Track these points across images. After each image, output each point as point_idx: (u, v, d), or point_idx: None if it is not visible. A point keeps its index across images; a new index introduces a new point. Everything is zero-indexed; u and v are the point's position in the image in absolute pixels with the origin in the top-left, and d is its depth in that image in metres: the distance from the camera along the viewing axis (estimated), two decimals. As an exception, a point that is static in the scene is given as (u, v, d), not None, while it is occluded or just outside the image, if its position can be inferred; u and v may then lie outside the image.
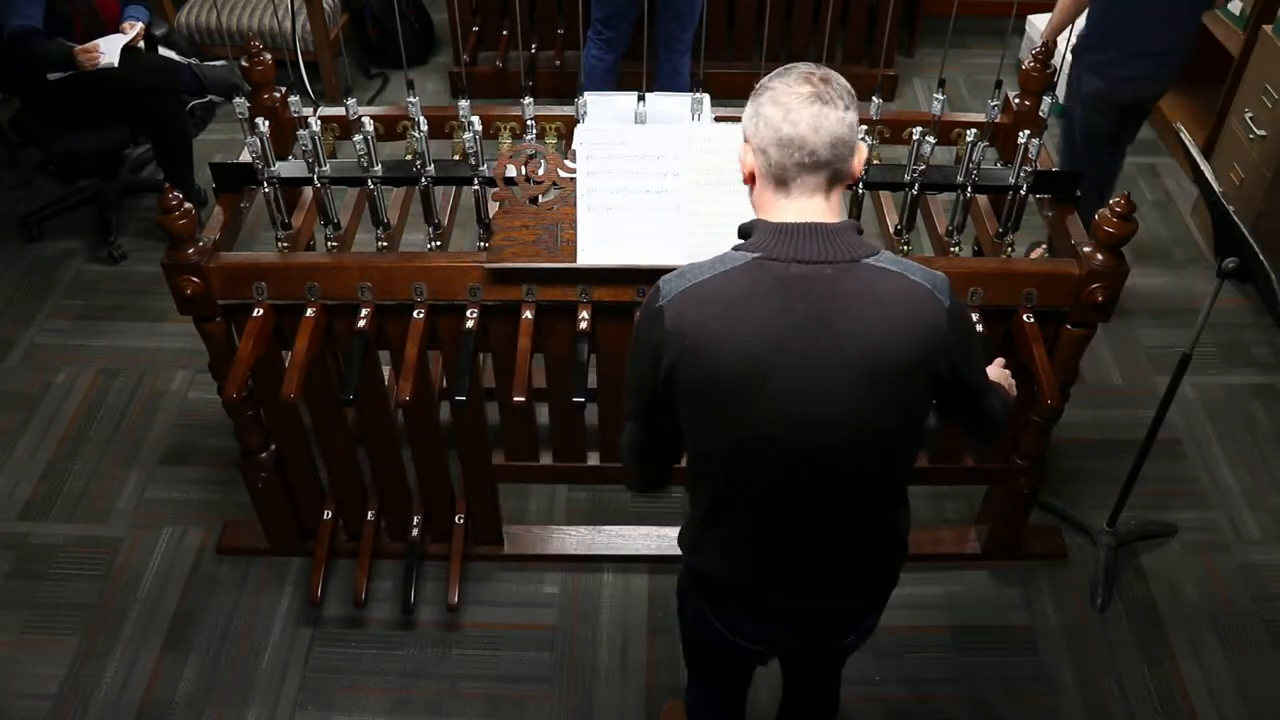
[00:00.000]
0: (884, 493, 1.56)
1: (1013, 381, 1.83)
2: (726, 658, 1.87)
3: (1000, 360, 1.84)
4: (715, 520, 1.58)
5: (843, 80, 1.40)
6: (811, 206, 1.40)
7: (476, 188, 2.17)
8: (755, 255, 1.39)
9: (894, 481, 1.58)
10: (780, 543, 1.55)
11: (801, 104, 1.36)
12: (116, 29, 3.41)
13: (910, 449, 1.55)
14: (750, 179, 1.45)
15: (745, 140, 1.43)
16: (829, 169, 1.39)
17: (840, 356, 1.37)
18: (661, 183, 2.01)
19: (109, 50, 3.27)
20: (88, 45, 3.24)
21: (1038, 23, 4.40)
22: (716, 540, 1.60)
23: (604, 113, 2.27)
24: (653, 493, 1.63)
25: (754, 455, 1.45)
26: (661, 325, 1.40)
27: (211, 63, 3.81)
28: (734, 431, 1.43)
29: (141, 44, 3.52)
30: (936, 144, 2.16)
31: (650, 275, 2.07)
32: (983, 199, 2.42)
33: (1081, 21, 3.01)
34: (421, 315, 2.13)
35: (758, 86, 1.43)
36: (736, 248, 1.43)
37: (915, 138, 2.14)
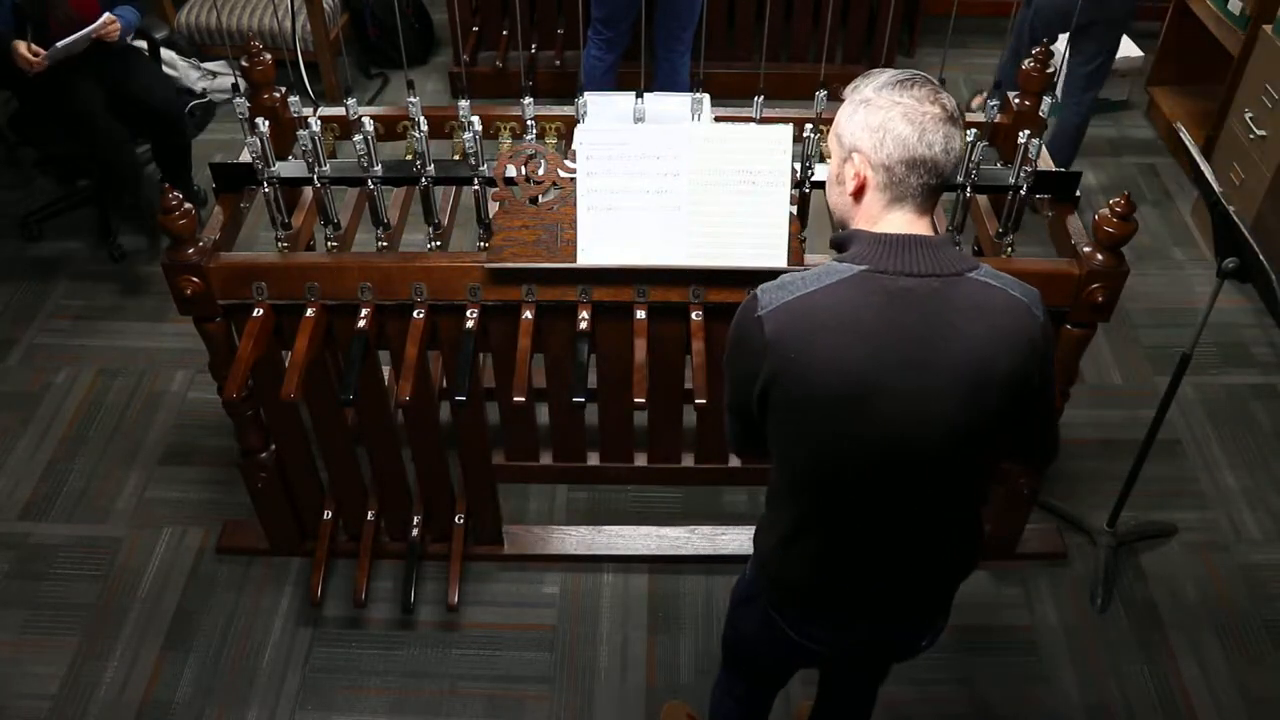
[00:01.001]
0: (972, 500, 1.57)
1: None
2: (785, 663, 1.87)
3: None
4: (804, 530, 1.55)
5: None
6: (921, 221, 1.41)
7: (476, 188, 2.16)
8: (863, 268, 1.37)
9: (981, 489, 1.59)
10: (871, 553, 1.54)
11: (936, 125, 1.35)
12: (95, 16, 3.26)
13: (998, 458, 1.57)
14: (860, 191, 1.42)
15: (857, 151, 1.40)
16: (940, 187, 1.40)
17: (948, 369, 1.36)
18: (661, 183, 2.01)
19: (65, 47, 3.08)
20: (34, 49, 3.06)
21: (1038, 23, 4.39)
22: (804, 550, 1.57)
23: (604, 113, 2.27)
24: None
25: (853, 469, 1.43)
26: (762, 335, 1.38)
27: (211, 65, 3.79)
28: (834, 445, 1.41)
29: (145, 46, 3.51)
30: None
31: (650, 275, 2.07)
32: (983, 199, 2.42)
33: None
34: (421, 315, 2.13)
35: (867, 95, 1.39)
36: (839, 259, 1.41)
37: (915, 138, 2.14)
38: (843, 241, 1.43)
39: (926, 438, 1.39)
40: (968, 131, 2.18)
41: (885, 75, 1.39)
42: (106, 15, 3.20)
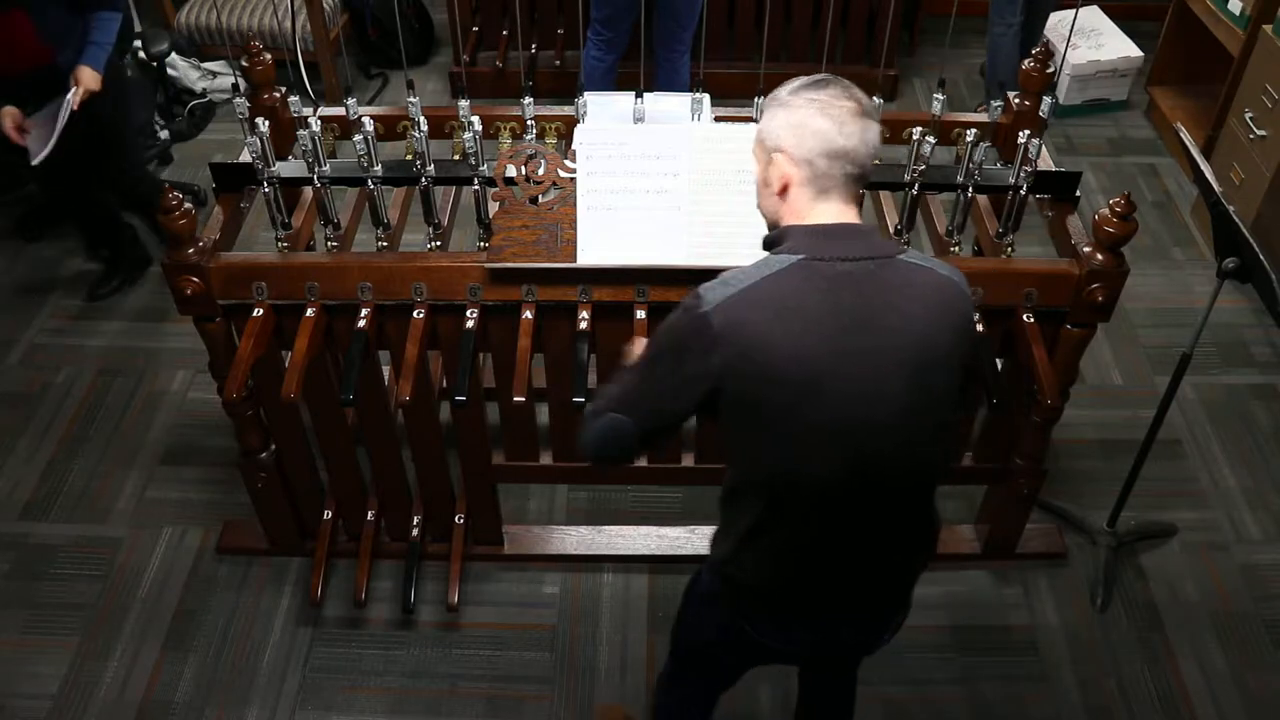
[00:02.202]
0: (927, 489, 1.59)
1: None
2: (742, 662, 1.87)
3: None
4: (763, 529, 1.56)
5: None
6: (848, 211, 1.46)
7: (476, 188, 2.17)
8: (800, 257, 1.42)
9: (936, 477, 1.61)
10: (831, 548, 1.55)
11: (850, 118, 1.42)
12: (53, 76, 2.79)
13: (953, 442, 1.58)
14: (785, 188, 1.47)
15: (779, 151, 1.45)
16: (863, 180, 1.47)
17: (891, 350, 1.41)
18: (661, 183, 2.01)
19: (38, 140, 2.70)
20: (12, 111, 2.71)
21: (1038, 23, 4.40)
22: (763, 550, 1.58)
23: (604, 113, 2.27)
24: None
25: (810, 456, 1.45)
26: (710, 333, 1.40)
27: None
28: (790, 433, 1.44)
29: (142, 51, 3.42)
30: (936, 144, 2.16)
31: (650, 275, 2.07)
32: (983, 199, 2.42)
33: None
34: (421, 315, 2.13)
35: (783, 99, 1.46)
36: (775, 252, 1.45)
37: (915, 138, 2.14)
38: (774, 239, 1.48)
39: (879, 419, 1.43)
40: (968, 131, 2.19)
41: (798, 80, 1.47)
42: (81, 72, 2.76)
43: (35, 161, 2.65)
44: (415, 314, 2.13)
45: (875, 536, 1.56)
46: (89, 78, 2.75)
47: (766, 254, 1.47)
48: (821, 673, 2.00)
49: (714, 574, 1.69)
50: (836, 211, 1.45)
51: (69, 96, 2.73)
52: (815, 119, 1.42)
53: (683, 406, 1.49)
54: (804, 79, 1.46)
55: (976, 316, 1.50)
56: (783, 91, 1.47)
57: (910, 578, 1.68)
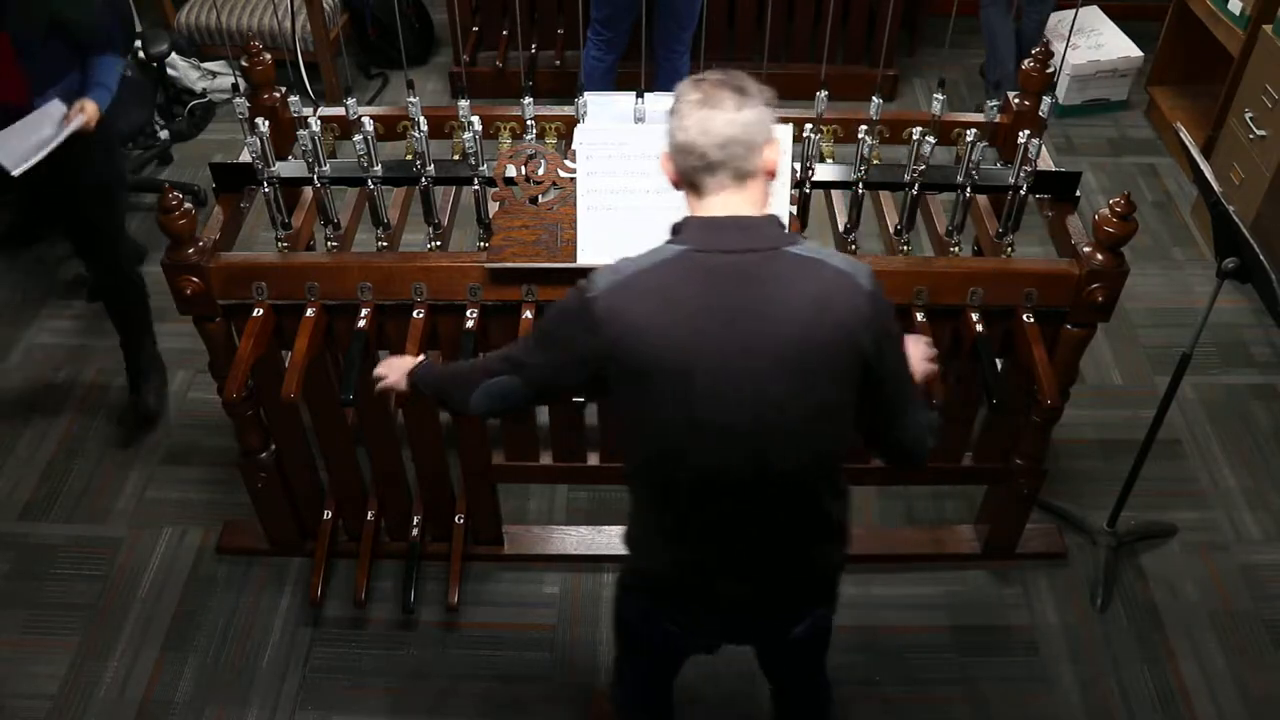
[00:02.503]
0: (818, 482, 1.57)
1: (934, 369, 1.86)
2: (664, 649, 1.88)
3: (926, 352, 1.85)
4: (653, 513, 1.61)
5: (742, 80, 1.45)
6: (729, 202, 1.46)
7: (476, 188, 2.17)
8: (684, 247, 1.44)
9: (827, 470, 1.58)
10: (716, 534, 1.57)
11: (690, 110, 1.42)
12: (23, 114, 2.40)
13: (842, 437, 1.56)
14: (675, 184, 1.51)
15: (664, 150, 1.49)
16: (726, 168, 1.44)
17: (767, 341, 1.41)
18: (661, 183, 2.00)
19: (15, 151, 2.36)
20: None
21: (1038, 23, 4.40)
22: (655, 533, 1.62)
23: (604, 113, 2.27)
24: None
25: (688, 443, 1.47)
26: (593, 317, 1.44)
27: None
28: (668, 420, 1.46)
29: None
30: (936, 144, 2.16)
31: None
32: (983, 199, 2.42)
33: None
34: (421, 315, 2.13)
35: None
36: (667, 241, 1.48)
37: (915, 138, 2.14)
38: (676, 228, 1.50)
39: (754, 409, 1.43)
40: (968, 131, 2.19)
41: (693, 77, 1.48)
42: (86, 103, 2.43)
43: (16, 173, 2.34)
44: (415, 314, 2.13)
45: (761, 527, 1.56)
46: (93, 110, 2.42)
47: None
48: (769, 668, 2.00)
49: (626, 557, 1.73)
50: (722, 203, 1.45)
51: (70, 113, 2.40)
52: (670, 117, 1.45)
53: (573, 382, 1.55)
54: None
55: (878, 309, 1.45)
56: None
57: (816, 570, 1.67)
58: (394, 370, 1.89)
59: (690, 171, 1.46)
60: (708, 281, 1.42)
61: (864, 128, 2.16)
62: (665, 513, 1.59)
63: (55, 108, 2.40)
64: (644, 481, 1.60)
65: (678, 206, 2.00)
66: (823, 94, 2.20)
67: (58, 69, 2.43)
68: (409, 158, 2.23)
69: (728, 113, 1.41)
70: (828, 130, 2.37)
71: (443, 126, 2.38)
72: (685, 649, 1.89)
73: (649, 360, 1.42)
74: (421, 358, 1.90)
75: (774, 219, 1.47)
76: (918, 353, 1.79)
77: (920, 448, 1.63)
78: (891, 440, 1.61)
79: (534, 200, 2.05)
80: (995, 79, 3.96)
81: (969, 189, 2.18)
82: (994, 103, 2.26)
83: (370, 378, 1.96)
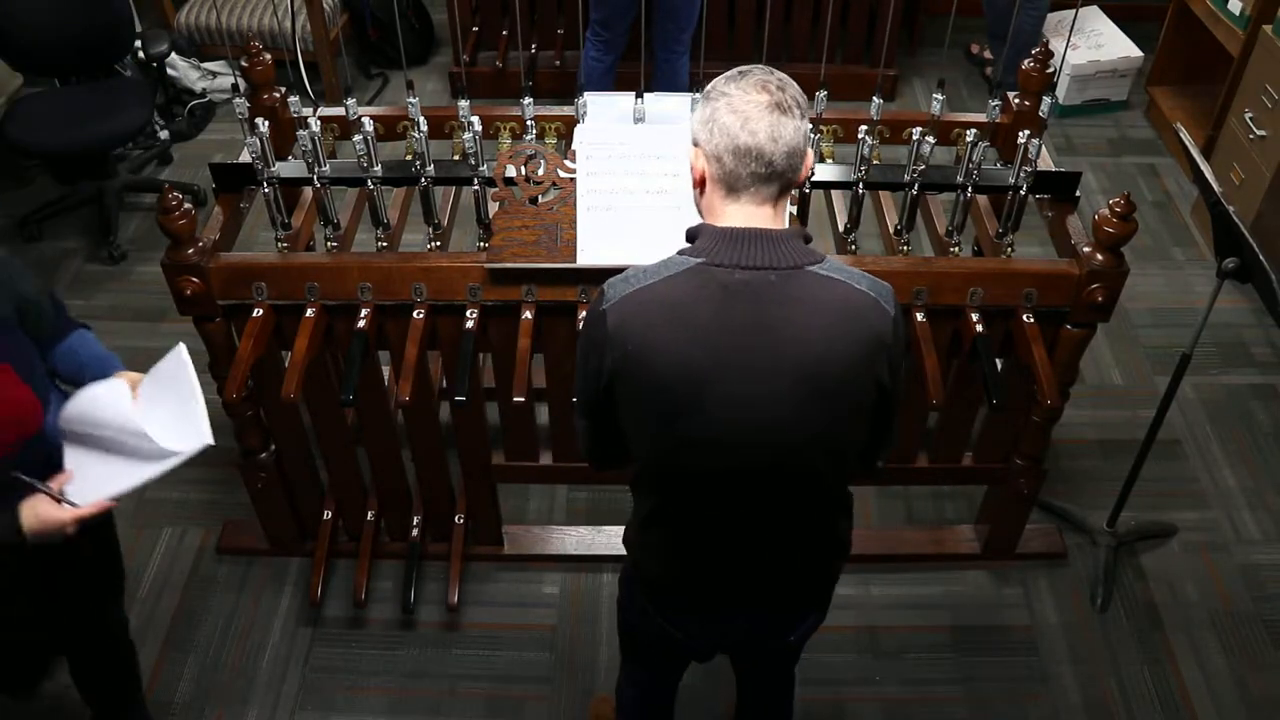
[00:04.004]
0: (825, 499, 1.56)
1: None
2: (666, 653, 1.88)
3: None
4: (657, 522, 1.59)
5: (797, 87, 1.40)
6: (760, 214, 1.40)
7: (476, 188, 2.16)
8: (700, 260, 1.38)
9: (835, 488, 1.57)
10: (720, 547, 1.56)
11: (760, 113, 1.35)
12: (41, 451, 1.68)
13: (852, 457, 1.54)
14: (700, 183, 1.44)
15: (696, 145, 1.42)
16: (782, 179, 1.39)
17: (781, 363, 1.36)
18: (661, 183, 2.01)
19: (99, 480, 1.65)
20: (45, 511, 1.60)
21: (1038, 23, 4.40)
22: (658, 541, 1.61)
23: (604, 113, 2.27)
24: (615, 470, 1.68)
25: (695, 461, 1.45)
26: (604, 329, 1.40)
27: None
28: (675, 437, 1.43)
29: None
30: (936, 144, 2.16)
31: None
32: (983, 199, 2.42)
33: None
34: (421, 315, 2.13)
35: (710, 89, 1.41)
36: (682, 252, 1.42)
37: (915, 138, 2.14)
38: (690, 235, 1.44)
39: (764, 431, 1.40)
40: (968, 131, 2.19)
41: (732, 71, 1.41)
42: (124, 374, 1.79)
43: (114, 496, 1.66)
44: (415, 314, 2.13)
45: (765, 540, 1.55)
46: (133, 375, 1.80)
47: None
48: (746, 669, 2.00)
49: (627, 557, 1.72)
50: (749, 214, 1.39)
51: (121, 386, 1.72)
52: (723, 114, 1.36)
53: (602, 400, 1.48)
54: (733, 70, 1.41)
55: (898, 334, 1.43)
56: (712, 83, 1.42)
57: (815, 581, 1.67)
58: None
59: (743, 177, 1.37)
60: (724, 299, 1.36)
61: (864, 128, 2.16)
62: (667, 523, 1.58)
63: (112, 394, 1.68)
64: (650, 486, 1.57)
65: (678, 206, 2.01)
66: (822, 94, 2.20)
67: (46, 377, 1.83)
68: (409, 158, 2.22)
69: (795, 120, 1.36)
70: (828, 130, 2.37)
71: (443, 126, 2.38)
72: (685, 654, 1.88)
73: (659, 376, 1.38)
74: None
75: (799, 232, 1.41)
76: None
77: (884, 458, 1.64)
78: (876, 451, 1.60)
79: (534, 200, 2.05)
80: (999, 79, 3.97)
81: (969, 189, 2.18)
82: (994, 103, 2.25)
83: (370, 378, 1.96)
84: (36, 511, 1.60)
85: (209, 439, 1.70)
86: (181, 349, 1.72)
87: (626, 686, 2.07)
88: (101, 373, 1.77)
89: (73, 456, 1.67)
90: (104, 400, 1.65)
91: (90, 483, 1.63)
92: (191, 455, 1.68)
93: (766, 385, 1.37)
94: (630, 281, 1.41)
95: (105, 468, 1.64)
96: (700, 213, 1.47)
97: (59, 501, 1.61)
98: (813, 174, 2.20)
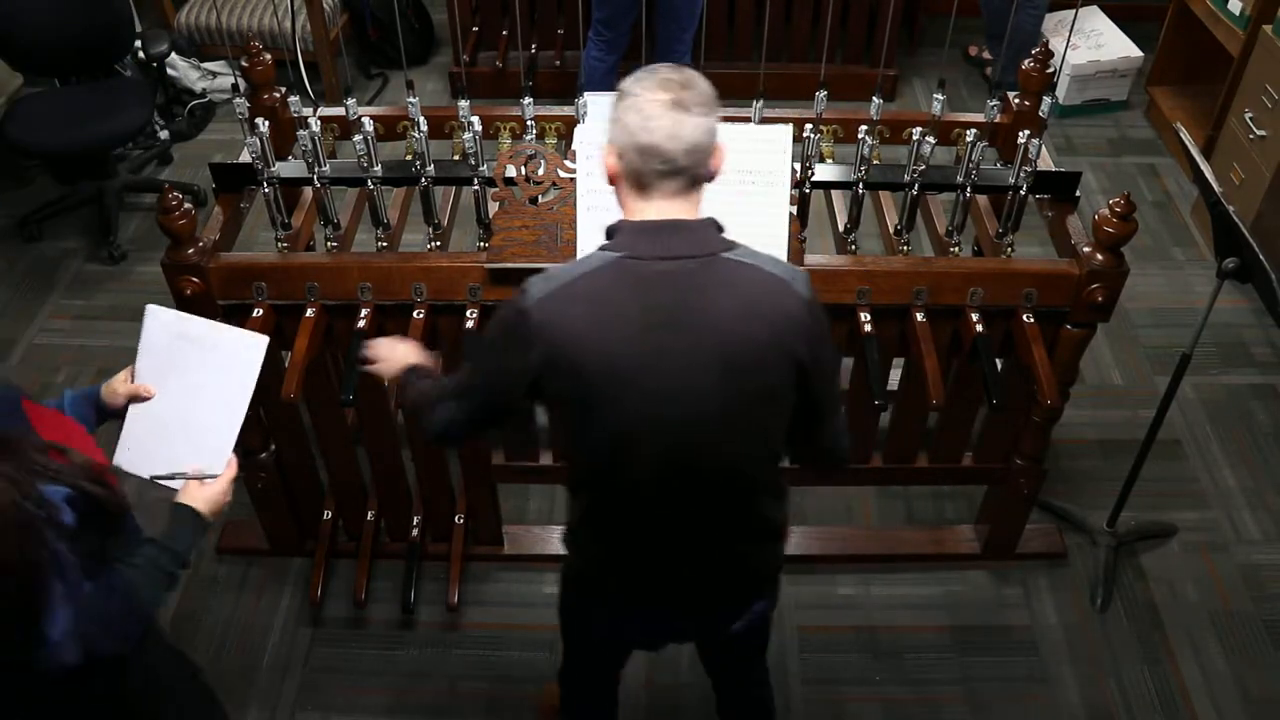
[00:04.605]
0: (755, 484, 1.57)
1: None
2: (602, 641, 1.88)
3: None
4: (593, 517, 1.61)
5: (704, 84, 1.42)
6: (673, 207, 1.44)
7: (476, 188, 2.17)
8: (619, 255, 1.42)
9: (764, 473, 1.58)
10: (653, 539, 1.57)
11: (660, 112, 1.38)
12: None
13: (777, 440, 1.56)
14: (614, 180, 1.47)
15: (609, 142, 1.45)
16: (686, 174, 1.42)
17: (702, 348, 1.40)
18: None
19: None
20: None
21: (1038, 23, 4.40)
22: (595, 536, 1.63)
23: (604, 113, 2.25)
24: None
25: (626, 451, 1.47)
26: (528, 327, 1.42)
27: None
28: (606, 429, 1.46)
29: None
30: (936, 144, 2.16)
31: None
32: (983, 199, 2.42)
33: None
34: (421, 315, 2.13)
35: (621, 88, 1.44)
36: (602, 248, 1.45)
37: (915, 138, 2.14)
38: (611, 231, 1.48)
39: (691, 417, 1.43)
40: (968, 131, 2.19)
41: (641, 70, 1.44)
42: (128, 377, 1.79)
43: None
44: (415, 314, 2.13)
45: (698, 531, 1.56)
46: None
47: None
48: (708, 662, 2.00)
49: (566, 556, 1.74)
50: (661, 208, 1.43)
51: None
52: (628, 113, 1.40)
53: (507, 399, 1.53)
54: (642, 69, 1.44)
55: (814, 315, 1.46)
56: (622, 81, 1.45)
57: (753, 569, 1.68)
58: (388, 362, 1.84)
59: (647, 174, 1.41)
60: (642, 290, 1.40)
61: (864, 128, 2.16)
62: (604, 515, 1.60)
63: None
64: (583, 483, 1.60)
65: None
66: (822, 94, 2.20)
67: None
68: (409, 158, 2.23)
69: (696, 117, 1.39)
70: (828, 130, 2.37)
71: (443, 126, 2.38)
72: (625, 644, 1.89)
73: (583, 370, 1.41)
74: (416, 360, 1.81)
75: (711, 222, 1.46)
76: None
77: (841, 450, 1.65)
78: (814, 443, 1.61)
79: (534, 200, 2.05)
80: (999, 79, 3.97)
81: (969, 189, 2.18)
82: (993, 103, 2.25)
83: (370, 378, 1.96)
84: (202, 497, 1.70)
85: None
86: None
87: (571, 678, 2.06)
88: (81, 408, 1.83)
89: (132, 429, 1.78)
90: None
91: (146, 456, 1.77)
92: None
93: (688, 371, 1.41)
94: (552, 279, 1.44)
95: (158, 442, 1.76)
96: (619, 208, 1.51)
97: (201, 481, 1.71)
98: (813, 174, 2.20)
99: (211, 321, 1.83)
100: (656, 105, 1.38)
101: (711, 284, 1.40)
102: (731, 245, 1.45)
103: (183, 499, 1.70)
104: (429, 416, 1.65)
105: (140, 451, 1.78)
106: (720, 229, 1.46)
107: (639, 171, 1.42)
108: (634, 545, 1.60)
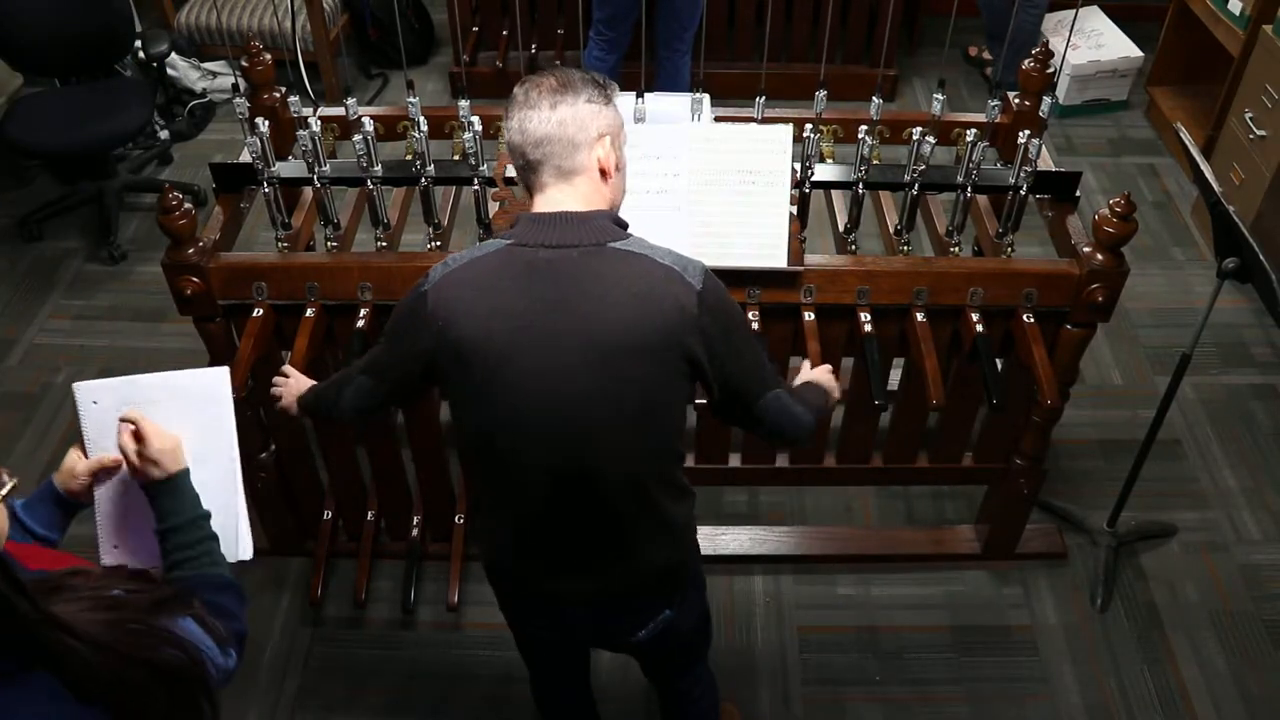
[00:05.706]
0: (647, 480, 1.54)
1: (833, 384, 1.84)
2: (539, 642, 1.87)
3: (825, 366, 1.87)
4: (484, 506, 1.62)
5: (568, 78, 1.46)
6: (560, 198, 1.47)
7: (476, 188, 2.17)
8: (509, 242, 1.46)
9: (654, 468, 1.55)
10: (542, 531, 1.57)
11: (513, 111, 1.47)
12: None
13: (668, 435, 1.54)
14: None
15: None
16: (546, 166, 1.46)
17: (581, 335, 1.41)
18: (661, 183, 2.01)
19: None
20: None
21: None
22: (488, 526, 1.64)
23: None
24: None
25: (507, 436, 1.48)
26: (425, 309, 1.46)
27: None
28: (487, 412, 1.47)
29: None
30: (936, 144, 2.16)
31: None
32: (983, 199, 2.42)
33: None
34: (421, 315, 2.13)
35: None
36: (500, 235, 1.50)
37: (915, 138, 2.14)
38: (513, 223, 1.51)
39: (569, 404, 1.43)
40: (968, 131, 2.19)
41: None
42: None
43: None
44: (415, 314, 2.13)
45: (590, 524, 1.54)
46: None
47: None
48: (645, 667, 1.98)
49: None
50: (550, 200, 1.47)
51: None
52: (508, 117, 1.49)
53: (412, 378, 1.56)
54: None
55: (706, 305, 1.44)
56: None
57: (652, 571, 1.62)
58: (288, 392, 1.89)
59: (518, 170, 1.49)
60: (525, 275, 1.43)
61: (864, 128, 2.16)
62: (494, 507, 1.61)
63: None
64: (473, 472, 1.63)
65: (678, 207, 2.02)
66: (822, 94, 2.20)
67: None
68: (409, 158, 2.23)
69: (542, 112, 1.43)
70: (828, 130, 2.37)
71: (443, 126, 2.38)
72: (551, 641, 1.84)
73: (467, 350, 1.43)
74: (309, 384, 1.87)
75: (604, 214, 1.48)
76: (819, 375, 1.82)
77: (794, 428, 1.60)
78: (755, 424, 1.60)
79: (534, 200, 2.04)
80: (999, 79, 3.98)
81: (969, 189, 2.18)
82: (994, 103, 2.25)
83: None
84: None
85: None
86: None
87: (536, 685, 2.03)
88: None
89: (109, 515, 1.59)
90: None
91: (143, 545, 1.52)
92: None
93: (567, 357, 1.42)
94: (449, 264, 1.48)
95: (145, 521, 1.51)
96: None
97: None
98: (813, 174, 2.20)
99: (161, 373, 1.46)
100: (512, 105, 1.47)
101: (593, 274, 1.42)
102: (622, 236, 1.47)
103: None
104: (336, 401, 1.70)
105: (128, 547, 1.53)
106: (620, 223, 1.50)
107: (518, 169, 1.50)
108: (521, 535, 1.59)
